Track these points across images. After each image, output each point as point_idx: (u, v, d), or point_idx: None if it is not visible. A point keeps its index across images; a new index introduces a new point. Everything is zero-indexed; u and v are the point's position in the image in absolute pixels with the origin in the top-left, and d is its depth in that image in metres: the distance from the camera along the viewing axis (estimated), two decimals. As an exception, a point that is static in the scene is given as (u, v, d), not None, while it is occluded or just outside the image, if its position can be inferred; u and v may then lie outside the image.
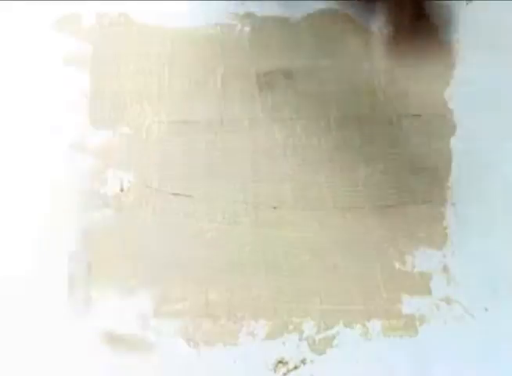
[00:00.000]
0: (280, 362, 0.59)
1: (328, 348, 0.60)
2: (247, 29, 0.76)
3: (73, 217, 0.65)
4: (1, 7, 0.69)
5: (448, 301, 0.61)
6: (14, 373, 0.59)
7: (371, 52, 0.75)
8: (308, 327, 0.60)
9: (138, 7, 0.76)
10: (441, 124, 0.71)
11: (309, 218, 0.66)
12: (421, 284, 0.62)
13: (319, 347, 0.60)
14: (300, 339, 0.60)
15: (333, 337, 0.60)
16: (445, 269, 0.63)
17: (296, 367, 0.59)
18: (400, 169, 0.68)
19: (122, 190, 0.67)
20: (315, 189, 0.67)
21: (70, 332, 0.60)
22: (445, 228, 0.65)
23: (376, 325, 0.60)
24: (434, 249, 0.64)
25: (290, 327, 0.60)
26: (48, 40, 0.69)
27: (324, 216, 0.66)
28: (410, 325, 0.60)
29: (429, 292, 0.62)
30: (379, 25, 0.66)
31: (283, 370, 0.59)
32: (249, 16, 0.77)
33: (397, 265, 0.63)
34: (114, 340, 0.59)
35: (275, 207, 0.66)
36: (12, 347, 0.60)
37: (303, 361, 0.59)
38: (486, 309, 0.61)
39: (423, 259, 0.63)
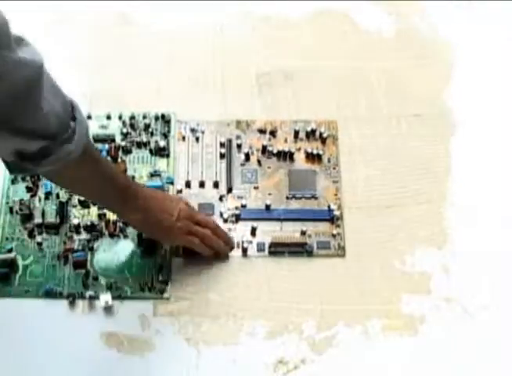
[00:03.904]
0: (280, 362, 0.59)
1: (328, 348, 0.60)
2: (247, 29, 0.77)
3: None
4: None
5: (448, 301, 0.61)
6: (15, 373, 0.59)
7: (371, 52, 0.75)
8: (308, 327, 0.60)
9: (138, 7, 0.76)
10: (441, 124, 0.71)
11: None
12: (421, 284, 0.62)
13: (319, 347, 0.60)
14: (300, 339, 0.60)
15: (333, 337, 0.60)
16: (445, 269, 0.63)
17: (296, 367, 0.59)
18: (400, 169, 0.68)
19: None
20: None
21: (70, 332, 0.60)
22: (445, 228, 0.65)
23: (376, 325, 0.60)
24: (434, 249, 0.64)
25: (290, 327, 0.60)
26: (47, 40, 0.69)
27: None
28: (410, 325, 0.60)
29: (429, 292, 0.62)
30: None
31: (283, 370, 0.59)
32: (249, 16, 0.77)
33: (397, 265, 0.63)
34: (114, 340, 0.59)
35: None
36: (13, 347, 0.60)
37: (303, 361, 0.59)
38: (486, 309, 0.61)
39: (423, 259, 0.63)
